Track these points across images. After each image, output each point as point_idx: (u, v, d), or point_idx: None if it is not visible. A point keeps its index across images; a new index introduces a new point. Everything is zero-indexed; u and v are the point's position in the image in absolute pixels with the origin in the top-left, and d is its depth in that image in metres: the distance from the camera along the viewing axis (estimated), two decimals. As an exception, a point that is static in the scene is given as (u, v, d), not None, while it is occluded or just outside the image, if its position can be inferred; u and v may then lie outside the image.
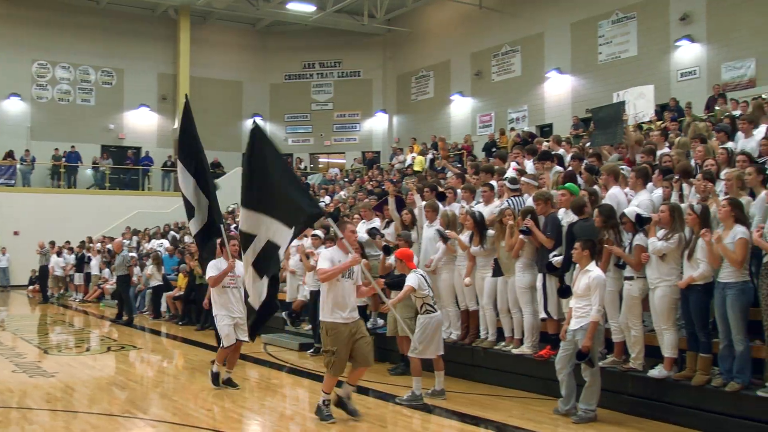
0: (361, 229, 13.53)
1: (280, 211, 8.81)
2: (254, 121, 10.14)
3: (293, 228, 8.70)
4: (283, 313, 15.45)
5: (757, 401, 7.69)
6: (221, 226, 11.05)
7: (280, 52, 40.13)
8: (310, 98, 40.39)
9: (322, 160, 40.85)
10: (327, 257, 8.81)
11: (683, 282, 8.34)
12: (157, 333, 18.45)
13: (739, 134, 12.53)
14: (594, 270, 8.50)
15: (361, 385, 10.63)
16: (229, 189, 24.37)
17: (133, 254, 23.48)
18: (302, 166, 37.23)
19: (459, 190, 12.99)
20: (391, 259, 11.24)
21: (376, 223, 13.80)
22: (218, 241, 11.06)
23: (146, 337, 17.88)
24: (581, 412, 8.53)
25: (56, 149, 34.28)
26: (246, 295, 9.48)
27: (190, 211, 11.07)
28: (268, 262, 9.04)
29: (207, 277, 10.83)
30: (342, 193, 25.81)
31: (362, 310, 13.00)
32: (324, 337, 8.79)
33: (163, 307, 20.84)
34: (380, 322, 13.24)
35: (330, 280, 8.59)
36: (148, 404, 10.26)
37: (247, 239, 9.07)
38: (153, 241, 26.11)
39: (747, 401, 7.80)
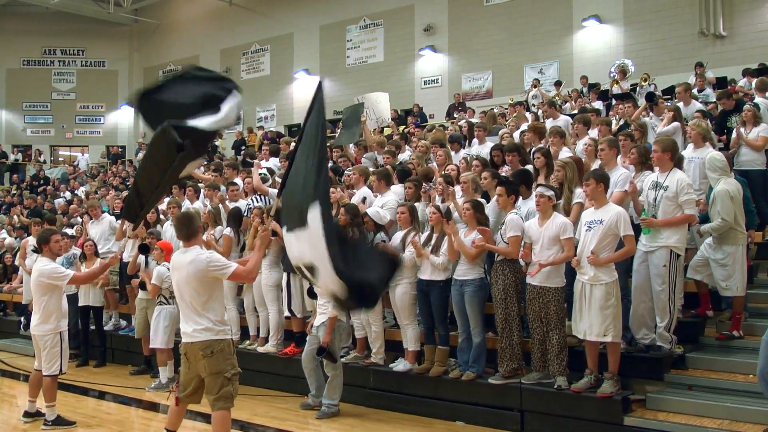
0: (91, 229, 13.09)
1: None
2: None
3: None
4: (22, 318, 14.54)
5: (490, 388, 8.24)
6: None
7: (18, 35, 37.03)
8: (51, 86, 37.92)
9: (64, 152, 38.71)
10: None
11: (423, 256, 8.69)
12: None
13: (475, 141, 13.29)
14: (337, 268, 8.69)
15: (102, 390, 10.58)
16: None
17: None
18: (41, 159, 35.09)
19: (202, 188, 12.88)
20: (141, 258, 11.19)
21: (107, 219, 13.34)
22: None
23: None
24: (324, 407, 8.71)
25: None
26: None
27: None
28: None
29: (69, 278, 8.43)
30: (83, 188, 24.54)
31: (99, 311, 12.59)
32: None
33: None
34: (123, 323, 12.82)
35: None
36: None
37: None
38: None
39: (481, 388, 8.34)
